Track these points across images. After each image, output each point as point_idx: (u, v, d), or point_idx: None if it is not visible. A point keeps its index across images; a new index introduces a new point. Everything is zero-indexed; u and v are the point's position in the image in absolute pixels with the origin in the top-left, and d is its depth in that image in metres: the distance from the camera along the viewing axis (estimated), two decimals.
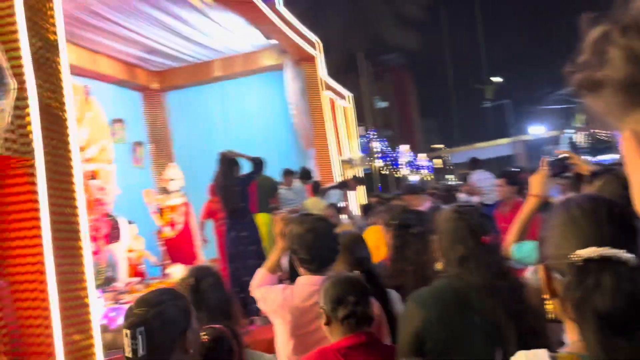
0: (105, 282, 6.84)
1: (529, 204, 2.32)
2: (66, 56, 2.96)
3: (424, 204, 5.59)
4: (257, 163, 5.49)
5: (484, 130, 45.41)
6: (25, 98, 2.59)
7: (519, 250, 2.23)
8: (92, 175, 7.03)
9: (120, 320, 4.76)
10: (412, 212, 3.24)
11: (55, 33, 2.83)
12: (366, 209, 9.14)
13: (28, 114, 2.58)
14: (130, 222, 7.67)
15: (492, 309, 1.82)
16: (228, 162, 5.12)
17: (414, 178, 35.24)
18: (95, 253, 6.46)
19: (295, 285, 2.27)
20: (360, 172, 11.91)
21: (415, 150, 38.58)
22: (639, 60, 0.58)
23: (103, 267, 6.99)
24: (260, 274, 2.42)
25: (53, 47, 2.83)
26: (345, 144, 11.34)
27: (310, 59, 9.66)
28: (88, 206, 6.64)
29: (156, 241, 8.00)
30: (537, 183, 2.30)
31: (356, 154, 11.29)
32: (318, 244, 2.25)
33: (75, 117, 6.52)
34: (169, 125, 10.12)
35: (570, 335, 1.06)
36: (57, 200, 2.69)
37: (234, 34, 8.66)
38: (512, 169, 8.64)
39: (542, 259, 1.12)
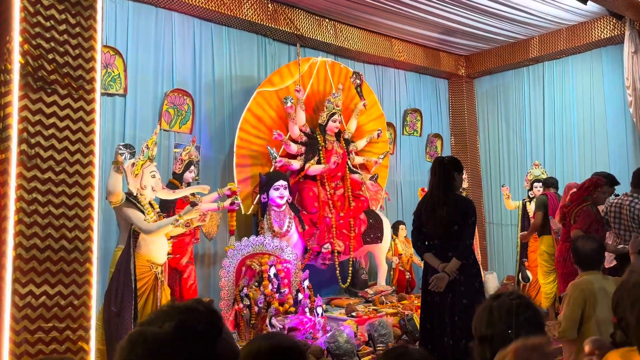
0: (360, 285, 6.33)
1: None
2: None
3: None
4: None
5: None
6: None
7: None
8: (361, 169, 6.57)
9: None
10: None
11: None
12: None
13: None
14: (400, 223, 6.96)
15: None
16: (444, 170, 3.63)
17: None
18: (346, 252, 6.00)
19: None
20: None
21: None
22: None
23: (362, 268, 6.50)
24: None
25: None
26: None
27: None
28: (341, 201, 6.24)
29: None
30: None
31: None
32: None
33: (339, 107, 6.15)
34: (476, 116, 8.93)
35: None
36: None
37: (551, 3, 6.87)
38: None
39: None
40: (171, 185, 4.87)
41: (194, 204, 3.95)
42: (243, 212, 5.79)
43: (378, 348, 4.67)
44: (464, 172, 7.16)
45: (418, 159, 8.33)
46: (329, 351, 4.32)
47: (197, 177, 5.88)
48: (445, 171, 3.62)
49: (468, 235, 3.53)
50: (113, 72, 5.37)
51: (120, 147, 3.68)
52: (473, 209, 3.66)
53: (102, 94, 5.30)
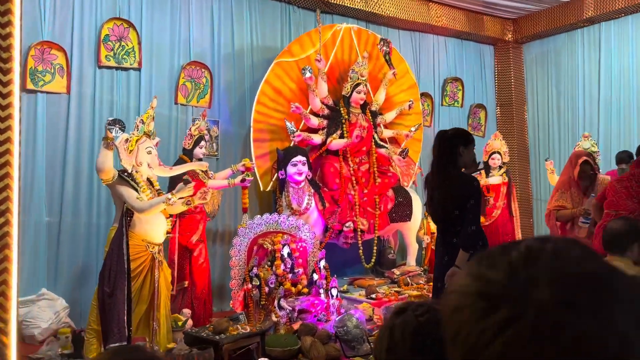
0: (387, 265, 6.05)
1: None
2: None
3: None
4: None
5: None
6: None
7: None
8: (391, 143, 6.21)
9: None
10: None
11: None
12: None
13: None
14: None
15: None
16: (446, 145, 3.18)
17: None
18: (370, 231, 5.71)
19: None
20: None
21: None
22: None
23: (390, 247, 6.20)
24: None
25: None
26: None
27: None
28: (366, 177, 5.90)
29: None
30: None
31: None
32: None
33: (365, 77, 5.79)
34: (524, 85, 8.28)
35: None
36: None
37: None
38: None
39: None
40: (180, 162, 4.72)
41: (187, 182, 3.78)
42: (262, 189, 5.60)
43: None
44: (505, 145, 6.67)
45: None
46: (337, 336, 4.09)
47: (215, 153, 5.74)
48: (448, 146, 3.22)
49: (468, 221, 3.12)
50: (127, 45, 5.25)
51: (109, 122, 3.54)
52: (473, 189, 3.18)
53: (116, 68, 5.24)
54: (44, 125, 4.84)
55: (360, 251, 5.62)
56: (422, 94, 7.20)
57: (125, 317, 3.54)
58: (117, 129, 3.50)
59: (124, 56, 5.23)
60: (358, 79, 5.72)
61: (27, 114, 4.77)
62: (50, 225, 4.86)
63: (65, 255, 4.90)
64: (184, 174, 4.29)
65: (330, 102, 5.71)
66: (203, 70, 5.65)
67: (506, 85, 8.24)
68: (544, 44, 8.03)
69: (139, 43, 5.28)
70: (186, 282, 4.67)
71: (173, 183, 4.67)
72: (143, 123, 3.79)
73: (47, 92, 4.86)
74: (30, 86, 4.75)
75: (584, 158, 4.29)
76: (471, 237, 3.11)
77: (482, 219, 6.37)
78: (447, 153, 3.20)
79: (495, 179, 6.47)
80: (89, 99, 5.07)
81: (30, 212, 4.75)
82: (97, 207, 5.05)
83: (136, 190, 3.68)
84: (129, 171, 3.74)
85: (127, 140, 3.71)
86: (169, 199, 3.62)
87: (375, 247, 5.75)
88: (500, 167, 6.53)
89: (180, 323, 4.21)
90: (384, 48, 6.03)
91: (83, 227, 4.96)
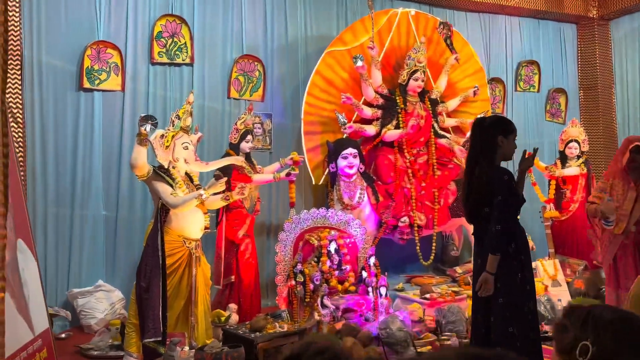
0: (450, 263, 5.72)
1: None
2: None
3: None
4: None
5: None
6: None
7: None
8: (456, 133, 5.85)
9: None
10: None
11: None
12: None
13: None
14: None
15: None
16: (482, 134, 2.87)
17: None
18: (429, 226, 5.41)
19: None
20: None
21: None
22: None
23: (453, 243, 5.86)
24: None
25: None
26: None
27: None
28: (424, 170, 5.56)
29: (541, 222, 6.08)
30: None
31: None
32: None
33: (422, 63, 5.46)
34: (612, 66, 7.51)
35: None
36: None
37: None
38: None
39: None
40: (227, 156, 4.68)
41: (218, 177, 3.72)
42: (314, 183, 5.47)
43: (443, 337, 4.10)
44: (584, 133, 6.09)
45: (535, 119, 7.25)
46: (380, 339, 3.87)
47: (269, 146, 5.69)
48: (485, 136, 2.90)
49: (495, 221, 2.78)
50: (179, 41, 5.29)
51: (142, 118, 3.54)
52: (500, 185, 2.82)
53: (169, 64, 5.31)
54: (101, 122, 5.00)
55: (417, 248, 5.33)
56: (492, 79, 6.75)
57: (161, 313, 3.55)
58: (150, 125, 3.50)
59: (177, 52, 5.29)
60: (415, 65, 5.41)
61: (85, 112, 4.97)
62: (108, 219, 5.02)
63: (122, 248, 5.05)
64: (224, 168, 4.25)
65: (385, 91, 5.45)
66: (256, 63, 5.60)
67: (591, 67, 7.51)
68: (635, 20, 7.23)
69: (191, 38, 5.31)
70: (232, 277, 4.65)
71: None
72: (179, 118, 3.77)
73: (103, 90, 5.01)
74: (87, 85, 4.92)
75: (636, 144, 3.61)
76: (496, 237, 2.79)
77: (556, 214, 5.88)
78: (484, 143, 2.89)
79: (572, 169, 5.90)
80: (143, 95, 5.17)
81: (88, 206, 4.95)
82: (152, 202, 5.15)
83: (171, 186, 3.67)
84: (165, 167, 3.74)
85: (162, 136, 3.71)
86: (201, 195, 3.58)
87: (434, 244, 5.43)
88: (578, 157, 5.96)
89: (223, 319, 4.18)
90: (444, 32, 5.66)
91: (138, 221, 5.08)
